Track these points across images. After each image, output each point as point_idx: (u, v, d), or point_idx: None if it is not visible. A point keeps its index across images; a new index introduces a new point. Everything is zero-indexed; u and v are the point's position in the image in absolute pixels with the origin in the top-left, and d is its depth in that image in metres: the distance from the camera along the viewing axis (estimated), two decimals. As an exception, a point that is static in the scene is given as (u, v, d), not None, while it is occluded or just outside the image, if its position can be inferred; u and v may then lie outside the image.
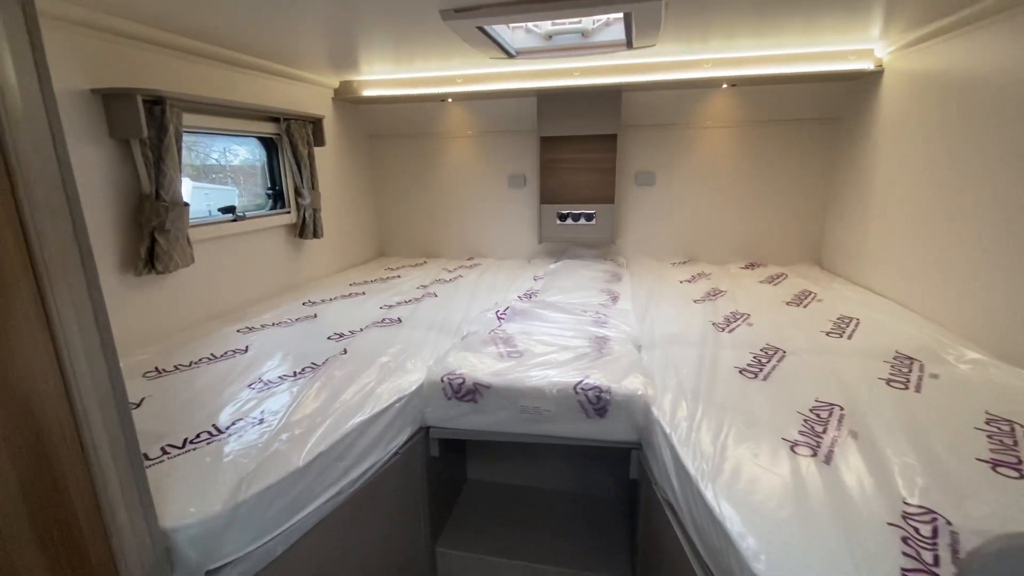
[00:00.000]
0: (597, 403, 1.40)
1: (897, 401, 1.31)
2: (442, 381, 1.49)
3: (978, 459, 1.06)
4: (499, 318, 1.96)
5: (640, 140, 2.97)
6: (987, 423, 1.20)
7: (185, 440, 1.18)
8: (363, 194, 3.30)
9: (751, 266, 2.87)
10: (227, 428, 1.23)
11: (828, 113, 2.74)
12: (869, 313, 1.98)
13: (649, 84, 2.59)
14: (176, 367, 1.57)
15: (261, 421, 1.27)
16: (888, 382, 1.42)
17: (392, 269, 3.01)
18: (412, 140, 3.26)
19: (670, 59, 2.47)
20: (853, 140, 2.56)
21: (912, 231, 2.06)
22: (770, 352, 1.63)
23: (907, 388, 1.39)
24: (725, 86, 2.75)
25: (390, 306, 2.22)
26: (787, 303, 2.15)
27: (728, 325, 1.88)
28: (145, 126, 1.65)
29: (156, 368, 1.56)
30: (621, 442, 1.42)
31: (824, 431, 1.18)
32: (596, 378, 1.44)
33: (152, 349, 1.70)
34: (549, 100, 2.82)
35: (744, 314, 1.98)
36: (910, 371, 1.48)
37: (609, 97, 2.76)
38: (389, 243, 3.53)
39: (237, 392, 1.42)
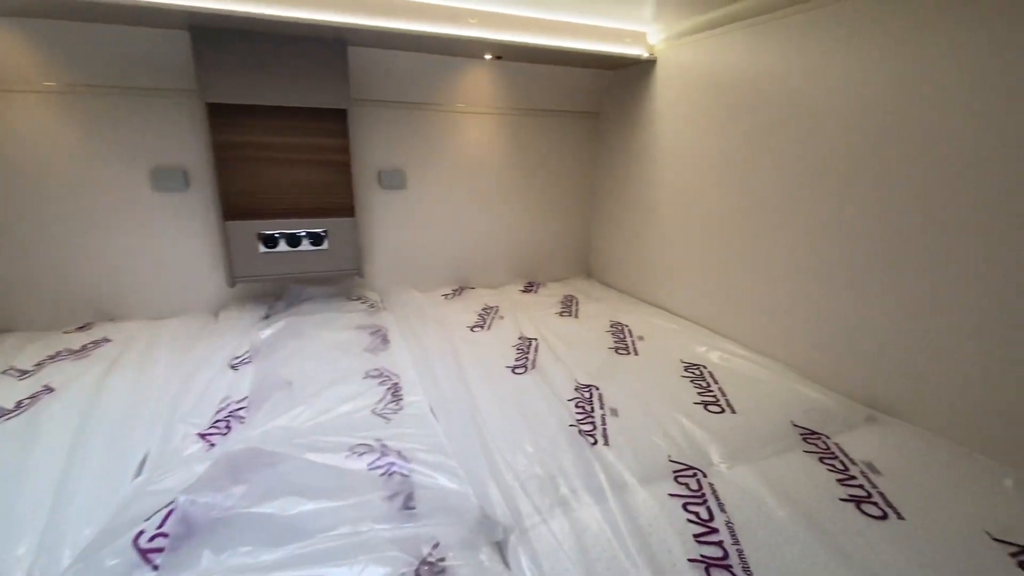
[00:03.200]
0: None
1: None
2: None
3: None
4: (145, 557, 0.79)
5: (382, 123, 2.05)
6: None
7: None
8: None
9: (531, 287, 2.35)
10: None
11: (598, 106, 2.39)
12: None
13: (390, 34, 1.68)
14: None
15: None
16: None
17: None
18: None
19: (421, -1, 1.64)
20: (623, 140, 2.26)
21: (691, 241, 1.85)
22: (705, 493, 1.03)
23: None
24: (489, 57, 2.07)
25: None
26: (611, 348, 1.64)
27: (589, 418, 1.21)
28: None
29: None
30: None
31: None
32: None
33: None
34: (215, 40, 1.60)
35: (589, 386, 1.36)
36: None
37: (329, 50, 1.73)
38: None
39: None
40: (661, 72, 2.01)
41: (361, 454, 1.02)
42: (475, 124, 2.21)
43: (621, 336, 1.73)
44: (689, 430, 1.15)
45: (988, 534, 0.85)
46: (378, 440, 1.07)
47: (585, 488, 0.96)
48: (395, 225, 2.17)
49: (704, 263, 1.86)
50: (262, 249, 1.81)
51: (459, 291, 2.23)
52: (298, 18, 1.52)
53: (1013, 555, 0.81)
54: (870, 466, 1.03)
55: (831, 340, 1.41)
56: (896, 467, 1.03)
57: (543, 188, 2.42)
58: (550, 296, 2.20)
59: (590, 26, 1.92)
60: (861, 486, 0.97)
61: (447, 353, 1.55)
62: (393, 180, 2.10)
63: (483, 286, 2.32)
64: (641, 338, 1.72)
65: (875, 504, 0.92)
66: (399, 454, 1.02)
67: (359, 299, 2.03)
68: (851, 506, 0.92)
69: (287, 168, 1.81)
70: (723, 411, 1.24)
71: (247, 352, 1.52)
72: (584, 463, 1.03)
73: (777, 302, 1.57)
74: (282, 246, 1.83)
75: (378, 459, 1.00)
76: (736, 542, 0.83)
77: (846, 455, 1.07)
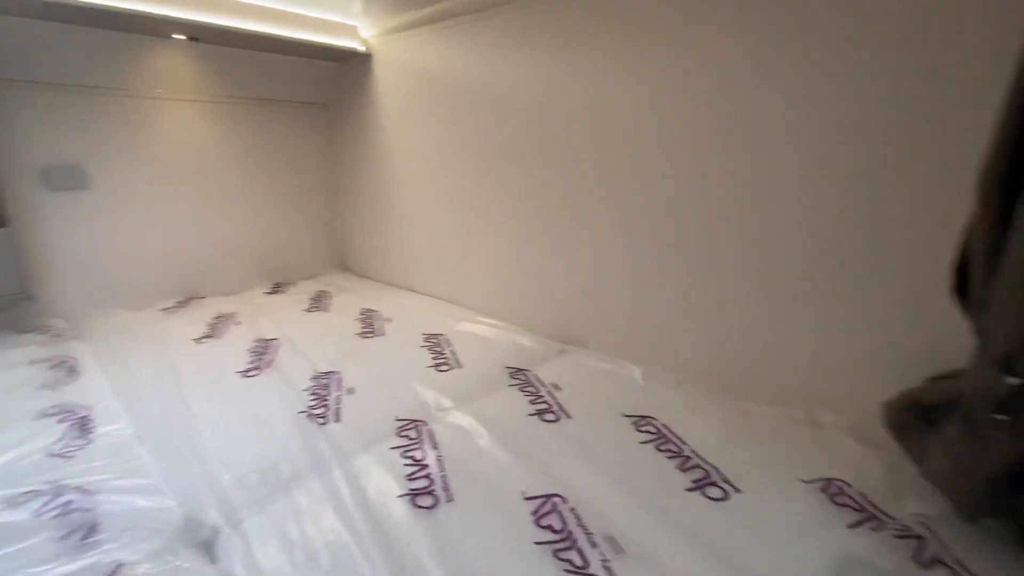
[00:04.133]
0: None
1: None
2: None
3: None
4: None
5: (41, 109, 1.66)
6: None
7: None
8: None
9: (278, 288, 2.22)
10: None
11: (327, 96, 2.35)
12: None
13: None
14: None
15: None
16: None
17: None
18: None
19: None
20: (355, 130, 2.29)
21: (428, 225, 2.03)
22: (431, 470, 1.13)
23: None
24: (182, 38, 1.85)
25: None
26: (359, 333, 1.69)
27: (323, 402, 1.23)
28: None
29: None
30: None
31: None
32: None
33: None
34: None
35: (329, 373, 1.37)
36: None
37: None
38: None
39: None
40: (378, 66, 2.09)
41: (22, 504, 0.85)
42: (185, 113, 1.97)
43: (369, 321, 1.79)
44: (419, 391, 1.27)
45: (621, 412, 1.17)
46: (52, 482, 0.91)
47: (311, 467, 0.99)
48: (82, 234, 1.80)
49: (439, 243, 2.03)
50: None
51: (184, 303, 1.98)
52: None
53: (634, 424, 1.13)
54: (555, 385, 1.30)
55: (538, 294, 1.70)
56: (572, 382, 1.32)
57: (281, 183, 2.30)
58: (299, 295, 2.12)
59: (300, 15, 1.88)
60: (546, 402, 1.22)
61: (163, 371, 1.37)
62: (66, 179, 1.74)
63: (217, 294, 2.10)
64: (389, 320, 1.80)
65: (552, 412, 1.18)
66: (80, 490, 0.89)
67: (35, 330, 1.63)
68: (535, 418, 1.15)
69: None
70: (451, 368, 1.41)
71: None
72: (311, 445, 1.05)
73: (498, 269, 1.82)
74: None
75: (48, 502, 0.85)
76: (442, 469, 0.96)
77: (540, 381, 1.33)
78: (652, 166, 1.34)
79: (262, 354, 1.50)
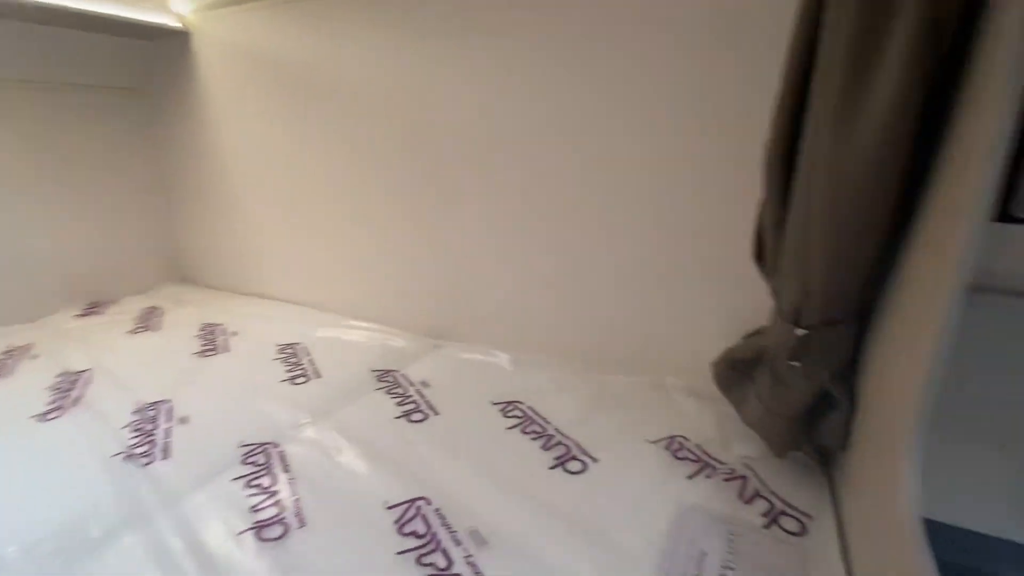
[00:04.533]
0: None
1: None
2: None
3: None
4: None
5: None
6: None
7: None
8: None
9: (94, 308, 1.88)
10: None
11: (138, 81, 2.01)
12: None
13: None
14: None
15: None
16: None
17: None
18: None
19: None
20: (182, 120, 2.00)
21: (282, 224, 1.86)
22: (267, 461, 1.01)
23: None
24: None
25: None
26: (197, 353, 1.48)
27: (148, 438, 1.05)
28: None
29: None
30: None
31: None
32: None
33: None
34: None
35: (156, 403, 1.18)
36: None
37: None
38: None
39: None
40: (201, 46, 1.84)
41: None
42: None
43: (211, 337, 1.58)
44: (269, 410, 1.15)
45: (490, 401, 1.17)
46: None
47: (129, 520, 0.84)
48: None
49: (295, 243, 1.86)
50: None
51: (-43, 339, 1.58)
52: None
53: (502, 411, 1.14)
54: (424, 383, 1.27)
55: (409, 291, 1.64)
56: (442, 377, 1.30)
57: (91, 183, 1.93)
58: (122, 315, 1.81)
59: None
60: (414, 401, 1.18)
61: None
62: None
63: (10, 323, 1.71)
64: (235, 334, 1.61)
65: (420, 411, 1.14)
66: None
67: None
68: (402, 420, 1.11)
69: None
70: (308, 380, 1.30)
71: None
72: (129, 493, 0.89)
73: (365, 267, 1.72)
74: None
75: None
76: (295, 494, 0.88)
77: (409, 381, 1.28)
78: (505, 155, 1.34)
79: (67, 391, 1.25)
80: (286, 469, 0.94)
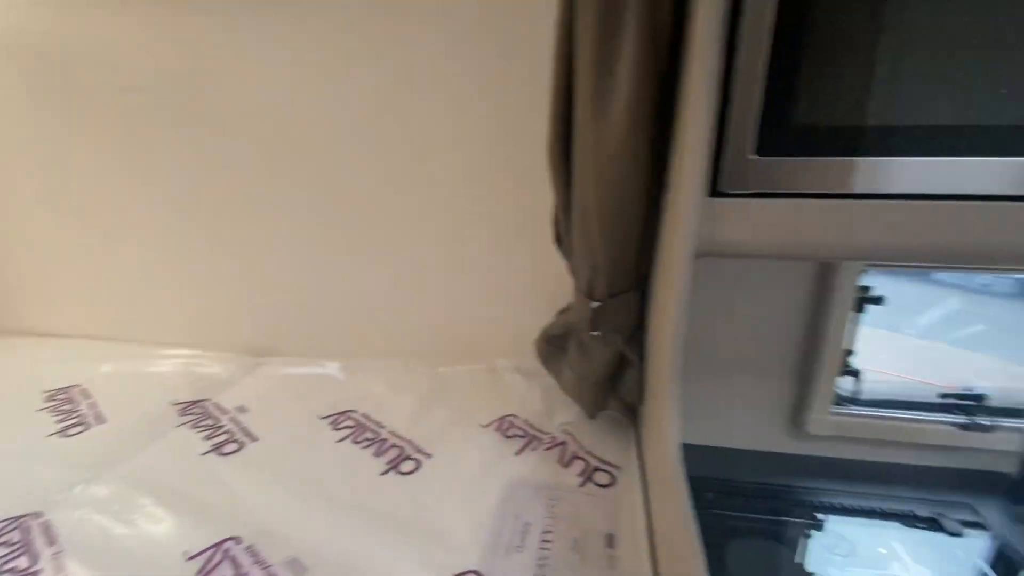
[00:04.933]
0: None
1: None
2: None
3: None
4: None
5: None
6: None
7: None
8: None
9: None
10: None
11: None
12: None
13: None
14: None
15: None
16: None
17: None
18: None
19: None
20: None
21: (52, 241, 1.52)
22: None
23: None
24: None
25: None
26: None
27: None
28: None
29: None
30: None
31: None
32: None
33: None
34: None
35: None
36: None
37: None
38: None
39: None
40: None
41: None
42: None
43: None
44: (27, 475, 0.93)
45: (318, 415, 1.09)
46: None
47: None
48: None
49: (65, 266, 1.53)
50: None
51: None
52: None
53: (332, 423, 1.07)
54: (240, 408, 1.14)
55: (216, 309, 1.45)
56: (262, 399, 1.18)
57: None
58: None
59: None
60: (227, 431, 1.05)
61: None
62: None
63: None
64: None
65: (235, 441, 1.02)
66: None
67: None
68: (211, 455, 0.98)
69: None
70: (86, 428, 1.08)
71: None
72: None
73: (157, 286, 1.47)
74: None
75: None
76: (60, 571, 0.72)
77: (221, 409, 1.14)
78: (303, 153, 1.25)
79: None
80: (51, 542, 0.77)
